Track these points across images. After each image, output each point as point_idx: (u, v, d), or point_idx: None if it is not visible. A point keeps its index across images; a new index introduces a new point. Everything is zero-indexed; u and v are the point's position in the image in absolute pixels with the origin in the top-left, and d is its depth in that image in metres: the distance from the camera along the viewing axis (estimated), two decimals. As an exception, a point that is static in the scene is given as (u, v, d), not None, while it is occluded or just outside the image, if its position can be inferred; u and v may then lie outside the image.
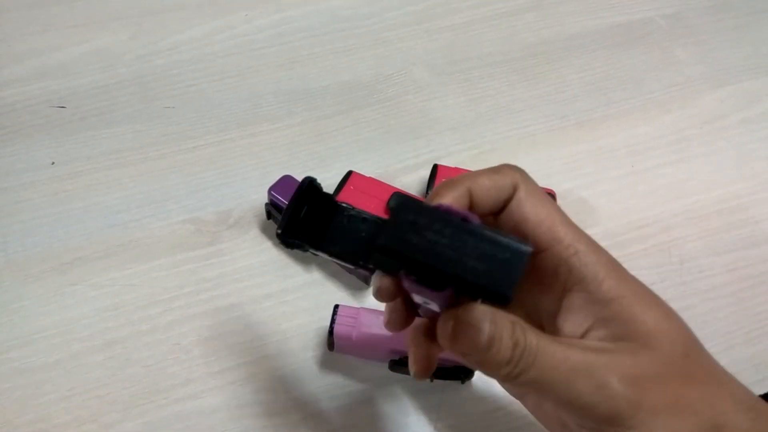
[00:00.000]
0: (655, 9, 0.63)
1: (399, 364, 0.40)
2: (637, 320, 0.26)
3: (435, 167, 0.48)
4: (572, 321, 0.27)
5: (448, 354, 0.32)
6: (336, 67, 0.57)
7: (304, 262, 0.46)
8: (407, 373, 0.40)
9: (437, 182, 0.47)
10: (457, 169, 0.48)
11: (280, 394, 0.40)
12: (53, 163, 0.50)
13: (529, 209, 0.28)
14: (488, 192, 0.28)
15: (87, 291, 0.44)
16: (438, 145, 0.52)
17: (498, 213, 0.29)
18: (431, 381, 0.40)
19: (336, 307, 0.41)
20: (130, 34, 0.58)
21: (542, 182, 0.49)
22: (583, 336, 0.26)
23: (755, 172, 0.52)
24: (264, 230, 0.47)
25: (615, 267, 0.28)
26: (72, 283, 0.44)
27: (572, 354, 0.25)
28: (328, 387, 0.41)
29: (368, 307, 0.41)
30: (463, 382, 0.41)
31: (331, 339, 0.40)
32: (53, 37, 0.58)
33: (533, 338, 0.25)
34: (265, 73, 0.57)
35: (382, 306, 0.40)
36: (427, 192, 0.46)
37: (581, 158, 0.53)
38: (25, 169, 0.50)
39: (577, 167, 0.52)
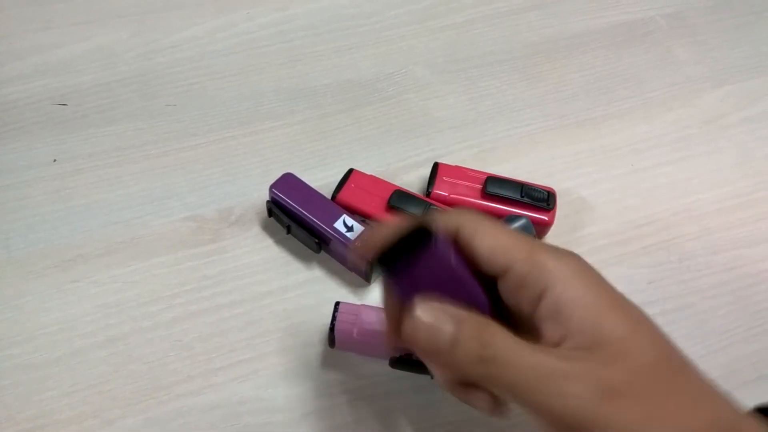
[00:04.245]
0: (656, 8, 0.63)
1: (400, 361, 0.40)
2: (605, 327, 0.26)
3: (436, 165, 0.48)
4: (546, 331, 0.27)
5: None
6: (337, 65, 0.57)
7: (305, 259, 0.46)
8: (408, 370, 0.40)
9: (437, 180, 0.47)
10: (458, 168, 0.48)
11: (281, 391, 0.41)
12: (55, 160, 0.50)
13: (477, 243, 0.28)
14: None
15: (89, 288, 0.44)
16: (439, 143, 0.53)
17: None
18: (432, 378, 0.40)
19: (337, 304, 0.41)
20: (131, 31, 0.59)
21: (542, 181, 0.49)
22: (557, 345, 0.26)
23: (755, 171, 0.53)
24: (265, 227, 0.47)
25: (581, 272, 0.27)
26: (74, 280, 0.45)
27: (544, 361, 0.25)
28: (328, 384, 0.41)
29: (369, 304, 0.41)
30: None
31: (332, 336, 0.40)
32: (55, 35, 0.58)
33: (505, 341, 0.25)
34: (267, 71, 0.57)
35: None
36: (427, 190, 0.47)
37: (582, 157, 0.53)
38: (27, 166, 0.50)
39: (578, 166, 0.52)
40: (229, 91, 0.55)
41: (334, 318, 0.40)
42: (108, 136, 0.52)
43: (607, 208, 0.50)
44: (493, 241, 0.28)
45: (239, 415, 0.40)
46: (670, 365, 0.26)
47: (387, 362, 0.40)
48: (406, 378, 0.41)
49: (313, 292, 0.45)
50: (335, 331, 0.40)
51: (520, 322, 0.28)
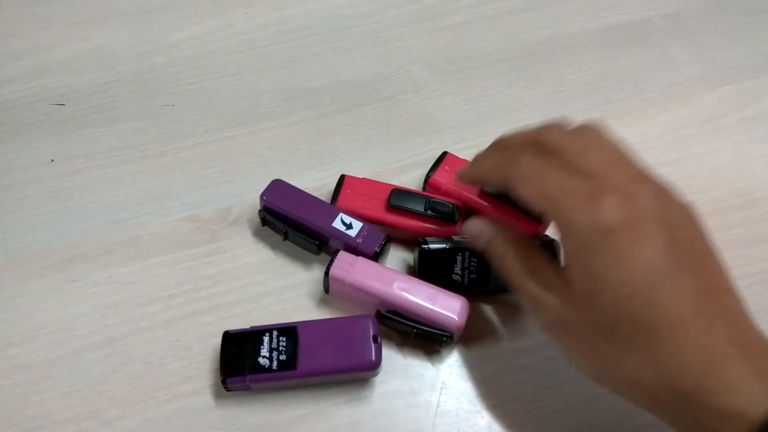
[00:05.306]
0: (654, 9, 0.63)
1: (385, 317, 0.41)
2: (575, 283, 0.34)
3: (444, 154, 0.49)
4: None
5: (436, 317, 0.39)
6: (336, 65, 0.57)
7: (304, 259, 0.46)
8: (393, 327, 0.41)
9: (440, 168, 0.48)
10: (465, 161, 0.48)
11: (279, 391, 0.41)
12: (53, 160, 0.50)
13: (522, 192, 0.36)
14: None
15: (87, 288, 0.44)
16: (437, 143, 0.52)
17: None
18: (413, 337, 0.41)
19: (337, 251, 0.42)
20: (130, 31, 0.59)
21: (541, 181, 0.49)
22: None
23: (753, 172, 0.53)
24: (263, 227, 0.47)
25: (589, 236, 0.33)
26: (72, 280, 0.44)
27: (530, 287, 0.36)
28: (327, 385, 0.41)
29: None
30: (441, 347, 0.42)
31: (326, 280, 0.41)
32: (53, 34, 0.58)
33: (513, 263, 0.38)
34: (265, 71, 0.57)
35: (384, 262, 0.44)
36: (427, 174, 0.47)
37: (580, 157, 0.53)
38: (25, 166, 0.50)
39: (576, 166, 0.52)
40: (227, 91, 0.55)
41: (330, 263, 0.41)
42: (106, 136, 0.52)
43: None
44: (533, 192, 0.35)
45: (238, 416, 0.40)
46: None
47: (390, 365, 0.41)
48: (408, 379, 0.41)
49: (311, 293, 0.45)
50: (330, 276, 0.41)
51: None
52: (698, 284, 0.31)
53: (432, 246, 0.42)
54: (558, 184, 0.33)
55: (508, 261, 0.37)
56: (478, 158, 0.41)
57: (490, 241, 0.39)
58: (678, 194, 0.35)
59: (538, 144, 0.36)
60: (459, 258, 0.42)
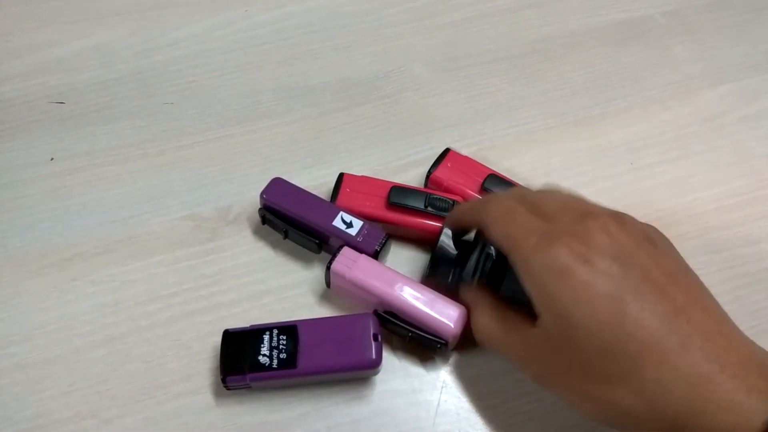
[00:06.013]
0: (655, 6, 0.63)
1: (382, 318, 0.40)
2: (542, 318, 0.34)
3: (446, 150, 0.49)
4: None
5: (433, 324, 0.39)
6: (336, 63, 0.57)
7: (305, 258, 0.46)
8: (391, 329, 0.41)
9: (441, 165, 0.48)
10: (466, 158, 0.48)
11: (280, 390, 0.40)
12: (52, 159, 0.50)
13: (490, 232, 0.38)
14: None
15: (87, 287, 0.44)
16: (437, 142, 0.52)
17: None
18: (408, 341, 0.41)
19: (341, 246, 0.42)
20: (129, 29, 0.58)
21: (541, 180, 0.49)
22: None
23: (754, 170, 0.53)
24: (263, 226, 0.47)
25: (548, 273, 0.35)
26: (72, 279, 0.44)
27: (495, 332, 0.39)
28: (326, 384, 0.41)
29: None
30: (436, 354, 0.42)
31: (328, 275, 0.42)
32: (52, 33, 0.58)
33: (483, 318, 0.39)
34: (265, 70, 0.57)
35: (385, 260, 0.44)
36: (428, 171, 0.47)
37: (580, 155, 0.53)
38: (25, 165, 0.50)
39: (576, 164, 0.52)
40: (227, 89, 0.55)
41: (333, 258, 0.41)
42: (106, 135, 0.52)
43: (606, 206, 0.50)
44: (499, 232, 0.36)
45: (238, 414, 0.40)
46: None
47: (390, 363, 0.41)
48: (408, 378, 0.41)
49: (311, 292, 0.45)
50: (331, 271, 0.41)
51: None
52: (664, 307, 0.31)
53: (445, 245, 0.42)
54: (520, 227, 0.35)
55: (491, 337, 0.38)
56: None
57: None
58: (635, 222, 0.36)
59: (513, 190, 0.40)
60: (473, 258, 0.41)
